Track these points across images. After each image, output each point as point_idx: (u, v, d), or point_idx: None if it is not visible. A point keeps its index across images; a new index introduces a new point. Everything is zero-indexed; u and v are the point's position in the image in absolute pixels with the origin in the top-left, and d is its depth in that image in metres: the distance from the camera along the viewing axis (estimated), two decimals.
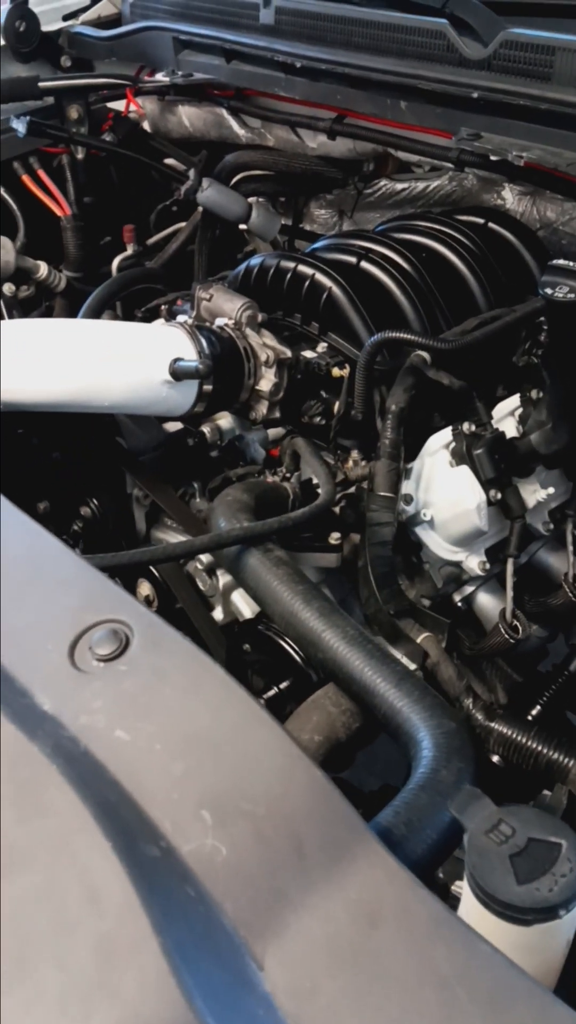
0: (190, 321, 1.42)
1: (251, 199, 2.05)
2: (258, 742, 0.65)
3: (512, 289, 1.68)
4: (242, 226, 2.09)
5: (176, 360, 1.32)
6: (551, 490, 1.52)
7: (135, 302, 1.86)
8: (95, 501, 1.61)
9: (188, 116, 2.18)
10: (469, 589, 1.51)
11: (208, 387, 1.39)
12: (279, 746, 0.64)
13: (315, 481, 1.38)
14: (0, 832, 0.58)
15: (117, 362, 1.32)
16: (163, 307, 1.75)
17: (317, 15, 1.71)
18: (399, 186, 2.04)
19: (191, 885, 0.58)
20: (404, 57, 1.57)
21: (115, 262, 2.13)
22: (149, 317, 1.74)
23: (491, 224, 1.75)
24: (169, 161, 2.30)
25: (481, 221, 1.75)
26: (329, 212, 2.20)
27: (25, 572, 0.79)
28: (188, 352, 1.37)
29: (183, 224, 2.17)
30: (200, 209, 2.06)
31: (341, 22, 1.67)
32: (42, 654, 0.71)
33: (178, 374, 1.31)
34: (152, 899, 0.55)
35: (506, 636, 1.40)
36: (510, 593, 1.43)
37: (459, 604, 1.50)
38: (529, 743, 1.16)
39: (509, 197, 1.88)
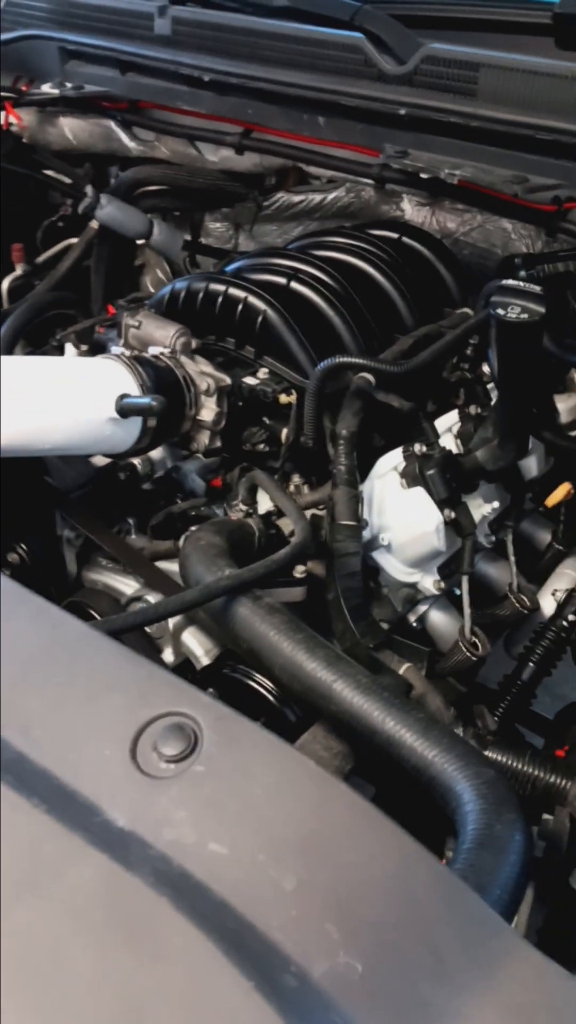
0: (126, 352, 1.34)
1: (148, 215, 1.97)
2: (369, 840, 0.60)
3: (431, 302, 1.69)
4: (140, 241, 2.01)
5: (123, 396, 1.24)
6: (495, 504, 1.53)
7: (41, 329, 1.76)
8: (23, 546, 1.50)
9: (71, 128, 2.07)
10: (422, 608, 1.50)
11: (152, 422, 1.32)
12: (393, 842, 0.60)
13: (275, 516, 1.33)
14: (120, 986, 0.51)
15: (58, 402, 1.23)
16: (72, 335, 1.66)
17: (220, 26, 1.66)
18: (296, 199, 2.01)
19: (336, 1013, 0.53)
20: (319, 72, 1.54)
21: (4, 283, 2.01)
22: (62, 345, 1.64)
23: (405, 239, 1.74)
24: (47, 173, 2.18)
25: (395, 236, 1.74)
26: (224, 226, 2.14)
27: (52, 665, 0.71)
28: (129, 386, 1.30)
29: (73, 240, 2.07)
30: (93, 225, 1.96)
31: (247, 34, 1.62)
32: (100, 761, 0.64)
33: (126, 411, 1.24)
34: None
35: (467, 654, 1.40)
36: (467, 610, 1.43)
37: (414, 624, 1.49)
38: (525, 768, 1.16)
39: (408, 208, 1.88)
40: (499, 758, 1.18)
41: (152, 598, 1.46)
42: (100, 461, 1.54)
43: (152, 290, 2.30)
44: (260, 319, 1.45)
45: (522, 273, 1.61)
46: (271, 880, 0.58)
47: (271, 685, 1.31)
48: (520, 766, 1.16)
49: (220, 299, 1.47)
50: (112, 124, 2.00)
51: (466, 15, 1.58)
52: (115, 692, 0.69)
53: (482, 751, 1.18)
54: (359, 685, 0.96)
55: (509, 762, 1.17)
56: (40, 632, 0.75)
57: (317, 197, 1.97)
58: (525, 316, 1.23)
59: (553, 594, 1.62)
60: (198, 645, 1.43)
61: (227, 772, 0.63)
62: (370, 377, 1.39)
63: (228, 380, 1.41)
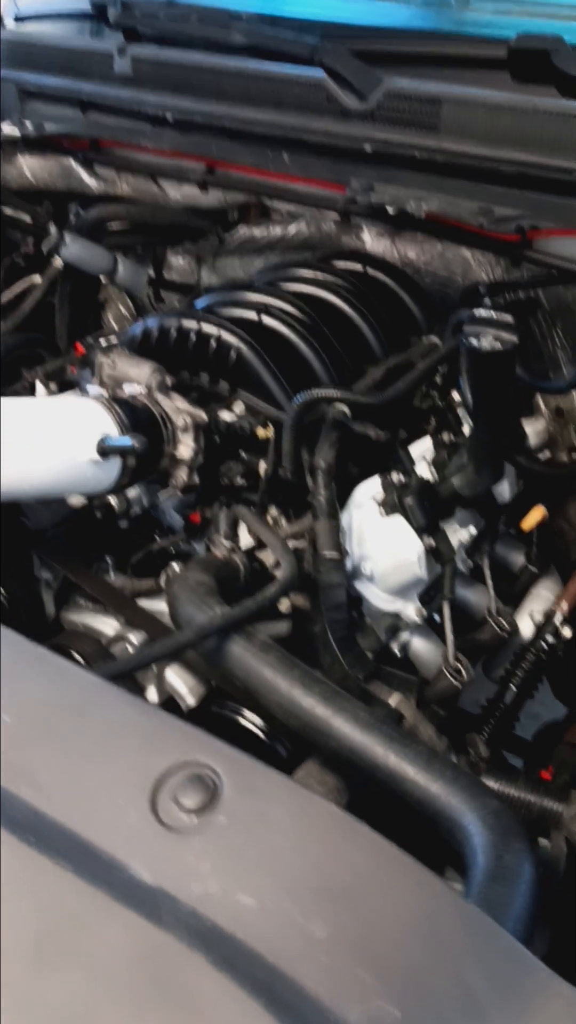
0: (104, 392, 1.34)
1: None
2: (395, 882, 0.60)
3: (397, 331, 1.71)
4: (103, 278, 2.01)
5: (104, 438, 1.24)
6: (472, 529, 1.54)
7: (6, 369, 1.75)
8: (2, 590, 1.48)
9: (30, 167, 2.07)
10: (405, 636, 1.51)
11: (132, 461, 1.31)
12: (419, 882, 0.60)
13: (256, 550, 1.34)
14: None
15: (39, 446, 1.22)
16: (40, 375, 1.65)
17: (180, 65, 1.67)
18: (258, 232, 2.02)
19: None
20: (282, 108, 1.55)
21: None
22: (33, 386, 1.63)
23: (369, 270, 1.76)
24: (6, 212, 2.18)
25: (360, 267, 1.76)
26: (187, 260, 2.15)
27: (60, 717, 0.71)
28: (108, 426, 1.29)
29: (35, 278, 2.06)
30: (56, 263, 1.96)
31: (208, 72, 1.64)
32: (120, 815, 0.63)
33: (107, 452, 1.23)
34: None
35: (452, 680, 1.41)
36: (450, 636, 1.44)
37: (397, 653, 1.50)
38: (519, 794, 1.17)
39: (368, 239, 1.90)
40: (493, 785, 1.19)
41: (134, 637, 1.45)
42: (76, 500, 1.53)
43: (114, 325, 2.30)
44: (234, 354, 1.46)
45: (487, 301, 1.65)
46: (302, 929, 0.58)
47: (260, 721, 1.30)
48: (514, 792, 1.17)
49: (193, 336, 1.47)
50: (72, 162, 2.00)
51: (423, 50, 1.61)
52: (128, 742, 0.68)
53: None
54: (358, 720, 0.96)
55: (503, 789, 1.18)
56: (45, 683, 0.74)
57: (278, 230, 1.99)
58: (499, 345, 1.25)
59: (531, 616, 1.64)
60: (182, 683, 1.42)
61: (249, 822, 0.63)
62: (345, 408, 1.41)
63: (204, 416, 1.42)
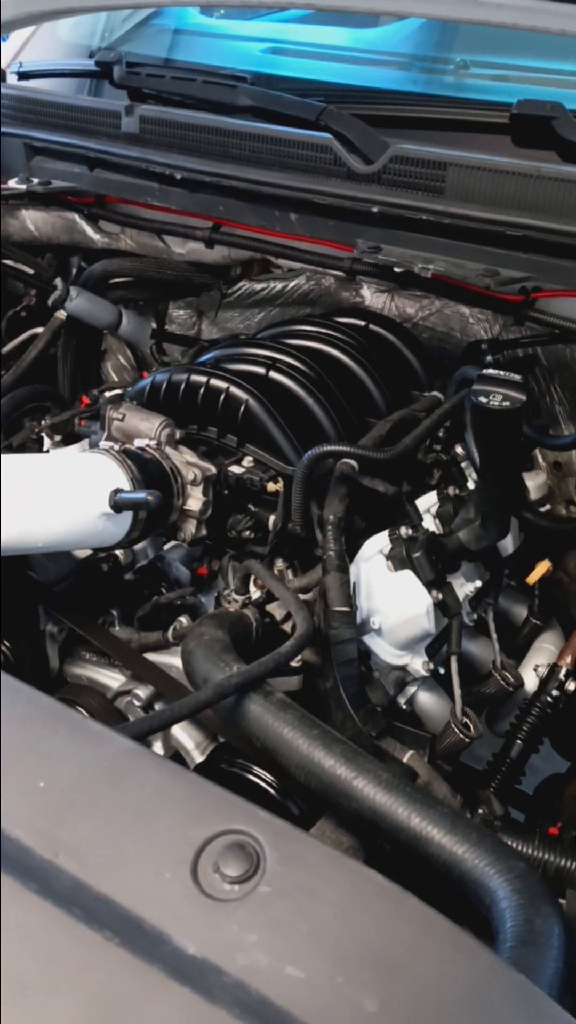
0: (115, 446, 1.35)
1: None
2: (443, 952, 0.60)
3: (399, 386, 1.73)
4: (106, 332, 2.03)
5: (117, 491, 1.24)
6: (478, 583, 1.55)
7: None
8: (7, 644, 1.47)
9: (33, 220, 2.10)
10: (412, 690, 1.51)
11: (143, 515, 1.32)
12: (468, 953, 0.60)
13: (265, 603, 1.34)
14: None
15: (51, 500, 1.22)
16: (45, 428, 1.66)
17: (187, 125, 1.70)
18: (259, 286, 2.05)
19: None
20: (289, 170, 1.58)
21: None
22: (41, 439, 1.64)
23: (372, 325, 1.79)
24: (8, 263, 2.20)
25: (362, 323, 1.79)
26: (188, 313, 2.18)
27: (97, 785, 0.70)
28: (120, 480, 1.30)
29: (38, 330, 2.08)
30: (60, 315, 1.98)
31: (215, 133, 1.67)
32: (162, 885, 0.63)
33: (121, 506, 1.24)
34: None
35: (461, 735, 1.40)
36: (458, 691, 1.44)
37: (404, 707, 1.49)
38: (535, 853, 1.16)
39: (367, 295, 1.93)
40: (508, 843, 1.18)
41: (141, 691, 1.44)
42: (82, 553, 1.53)
43: (114, 376, 2.32)
44: (242, 408, 1.47)
45: (489, 358, 1.67)
46: (353, 1002, 0.57)
47: (271, 778, 1.29)
48: (529, 851, 1.16)
49: (202, 390, 1.49)
50: (76, 216, 2.02)
51: (426, 115, 1.66)
52: (167, 811, 0.68)
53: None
54: (380, 781, 0.95)
55: (518, 847, 1.17)
56: (77, 746, 0.74)
57: (279, 284, 2.02)
58: (507, 404, 1.26)
59: (535, 669, 1.64)
60: (188, 739, 1.41)
61: (293, 891, 0.62)
62: (353, 463, 1.42)
63: (213, 469, 1.42)
